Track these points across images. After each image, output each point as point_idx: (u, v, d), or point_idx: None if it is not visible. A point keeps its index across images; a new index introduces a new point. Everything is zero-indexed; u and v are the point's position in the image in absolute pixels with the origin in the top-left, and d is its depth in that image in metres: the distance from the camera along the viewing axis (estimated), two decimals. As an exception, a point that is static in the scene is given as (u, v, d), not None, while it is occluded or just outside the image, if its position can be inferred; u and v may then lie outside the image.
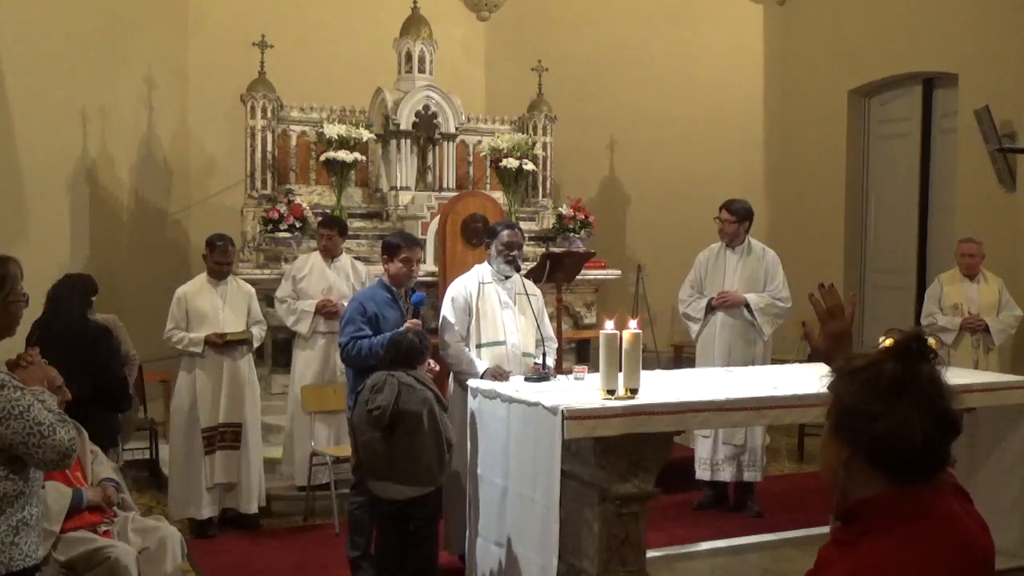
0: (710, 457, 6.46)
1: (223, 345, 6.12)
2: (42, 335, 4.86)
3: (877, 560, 1.63)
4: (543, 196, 9.64)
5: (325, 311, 6.66)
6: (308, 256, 7.04)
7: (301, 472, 6.56)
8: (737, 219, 6.48)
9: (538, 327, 5.28)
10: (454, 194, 8.47)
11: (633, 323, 4.37)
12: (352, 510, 5.24)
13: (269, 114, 8.74)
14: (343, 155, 8.40)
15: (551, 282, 6.42)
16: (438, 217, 8.10)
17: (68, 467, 3.57)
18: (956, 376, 2.47)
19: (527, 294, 5.31)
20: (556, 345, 5.60)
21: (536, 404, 4.25)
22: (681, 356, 9.58)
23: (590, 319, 8.78)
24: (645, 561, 4.27)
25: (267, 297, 7.05)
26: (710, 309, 6.48)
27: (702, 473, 6.52)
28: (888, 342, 1.73)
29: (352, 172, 8.60)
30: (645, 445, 4.16)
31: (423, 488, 4.59)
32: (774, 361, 6.56)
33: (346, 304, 5.71)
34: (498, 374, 4.93)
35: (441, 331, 5.22)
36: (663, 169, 10.42)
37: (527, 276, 5.67)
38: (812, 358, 2.40)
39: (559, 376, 4.92)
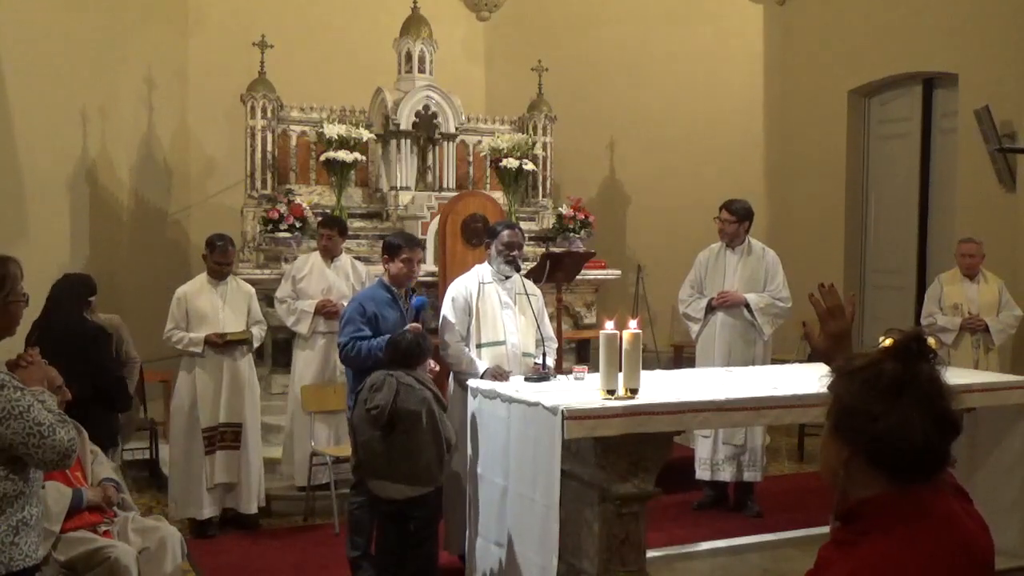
0: (710, 457, 6.46)
1: (223, 345, 6.12)
2: (40, 335, 4.86)
3: (877, 560, 1.63)
4: (543, 196, 9.64)
5: (325, 311, 6.66)
6: (308, 256, 7.04)
7: (301, 472, 6.56)
8: (737, 219, 6.48)
9: (538, 327, 5.28)
10: (454, 194, 8.47)
11: (633, 323, 4.37)
12: (352, 510, 5.24)
13: (269, 114, 8.74)
14: (343, 155, 8.40)
15: (551, 282, 6.42)
16: (438, 217, 8.10)
17: (68, 467, 3.57)
18: (956, 376, 2.48)
19: (527, 294, 5.31)
20: (556, 345, 5.60)
21: (536, 404, 4.25)
22: (681, 356, 9.58)
23: (590, 319, 8.78)
24: (645, 561, 4.27)
25: (267, 297, 7.05)
26: (710, 309, 6.48)
27: (702, 473, 6.52)
28: (888, 342, 1.73)
29: (352, 172, 8.60)
30: (645, 445, 4.16)
31: (422, 488, 4.59)
32: (774, 361, 6.57)
33: (346, 304, 5.71)
34: (498, 374, 4.93)
35: (441, 331, 5.22)
36: (663, 169, 10.42)
37: (527, 276, 5.67)
38: (812, 358, 2.40)
39: (559, 376, 4.92)
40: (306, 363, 6.74)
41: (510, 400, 4.51)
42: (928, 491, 1.69)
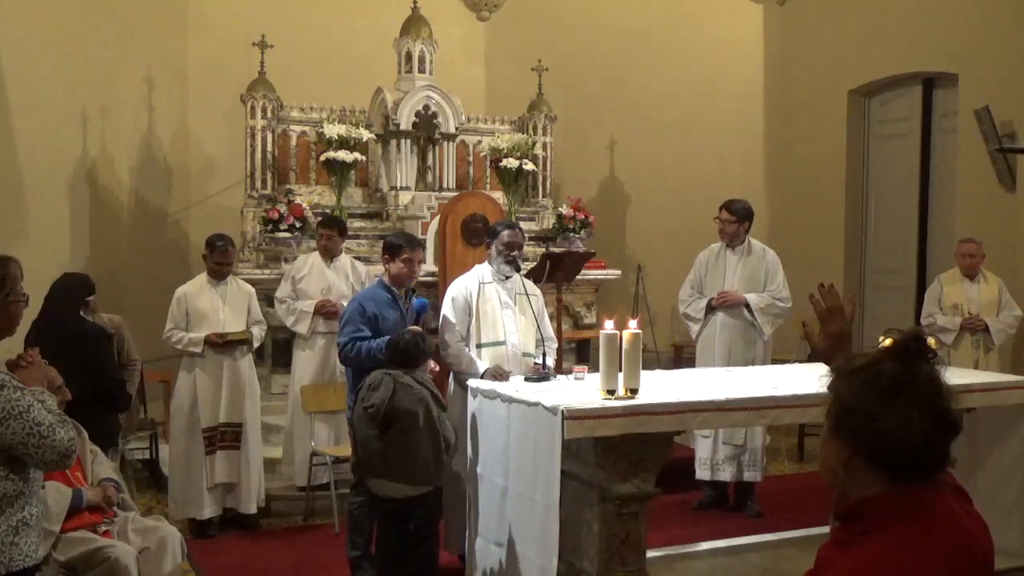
0: (710, 457, 6.47)
1: (223, 345, 6.12)
2: (38, 335, 4.86)
3: (876, 560, 1.63)
4: (543, 196, 9.64)
5: (324, 311, 6.66)
6: (307, 256, 7.04)
7: (301, 472, 6.56)
8: (737, 219, 6.48)
9: (538, 327, 5.28)
10: (454, 194, 8.47)
11: (633, 323, 4.37)
12: (352, 510, 5.24)
13: (269, 114, 8.74)
14: (343, 155, 8.40)
15: (551, 282, 6.42)
16: (438, 217, 8.10)
17: (68, 467, 3.57)
18: (956, 376, 2.48)
19: (527, 294, 5.31)
20: (556, 345, 5.60)
21: (536, 404, 4.25)
22: (681, 356, 9.58)
23: (590, 319, 8.78)
24: (645, 561, 4.27)
25: (267, 297, 7.05)
26: (710, 309, 6.48)
27: (702, 473, 6.52)
28: (888, 342, 1.73)
29: (352, 172, 8.60)
30: (645, 445, 4.16)
31: (421, 487, 4.59)
32: (774, 361, 6.57)
33: (345, 304, 5.71)
34: (498, 374, 4.93)
35: (441, 331, 5.22)
36: (663, 169, 10.43)
37: (527, 276, 5.67)
38: (812, 358, 2.40)
39: (559, 376, 4.92)
40: (306, 363, 6.74)
41: (510, 400, 4.51)
42: (928, 491, 1.69)
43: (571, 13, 10.85)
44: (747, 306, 6.40)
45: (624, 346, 4.27)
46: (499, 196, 8.86)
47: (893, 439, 1.64)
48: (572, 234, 8.97)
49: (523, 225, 6.79)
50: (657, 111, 10.45)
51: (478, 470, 4.80)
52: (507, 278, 5.28)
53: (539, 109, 9.66)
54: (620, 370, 4.27)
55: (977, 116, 7.60)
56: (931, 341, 1.75)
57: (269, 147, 8.74)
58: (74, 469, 4.03)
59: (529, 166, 9.09)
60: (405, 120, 8.80)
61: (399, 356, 4.66)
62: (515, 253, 5.22)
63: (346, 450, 5.31)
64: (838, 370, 1.78)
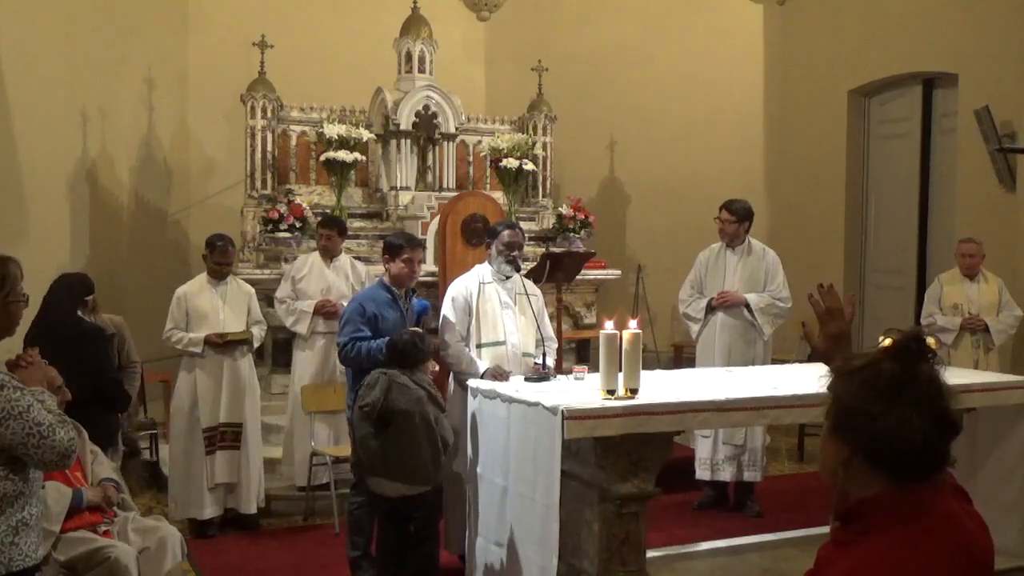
0: (710, 457, 6.46)
1: (223, 345, 6.12)
2: (36, 334, 4.86)
3: (876, 560, 1.63)
4: (543, 196, 9.64)
5: (324, 311, 6.66)
6: (307, 256, 7.04)
7: (301, 472, 6.56)
8: (737, 219, 6.48)
9: (538, 327, 5.28)
10: (454, 194, 8.47)
11: (633, 323, 4.37)
12: (352, 510, 5.24)
13: (269, 114, 8.74)
14: (343, 155, 8.40)
15: (551, 282, 6.42)
16: (438, 217, 8.10)
17: (68, 467, 3.57)
18: (956, 376, 2.48)
19: (527, 294, 5.31)
20: (556, 345, 5.60)
21: (536, 404, 4.25)
22: (681, 356, 9.58)
23: (590, 319, 8.78)
24: (645, 561, 4.27)
25: (267, 297, 7.05)
26: (710, 309, 6.48)
27: (702, 473, 6.52)
28: (887, 342, 1.73)
29: (352, 172, 8.60)
30: (645, 445, 4.16)
31: (418, 487, 4.59)
32: (774, 361, 6.57)
33: (345, 304, 5.71)
34: (498, 374, 4.93)
35: (441, 331, 5.22)
36: (663, 169, 10.42)
37: (527, 276, 5.67)
38: (812, 358, 2.41)
39: (559, 376, 4.92)
40: (306, 363, 6.74)
41: (510, 400, 4.51)
42: (928, 491, 1.69)
43: (571, 13, 10.86)
44: (747, 306, 6.40)
45: (624, 346, 4.27)
46: (499, 196, 8.86)
47: (893, 439, 1.64)
48: (572, 234, 8.97)
49: (523, 225, 6.79)
50: (657, 111, 10.45)
51: (478, 470, 4.80)
52: (507, 278, 5.28)
53: (539, 109, 9.66)
54: (620, 370, 4.27)
55: (977, 116, 7.60)
56: (931, 341, 1.75)
57: (269, 147, 8.74)
58: (74, 469, 4.03)
59: (529, 166, 9.09)
60: (405, 120, 8.80)
61: (398, 356, 4.66)
62: (515, 253, 5.22)
63: (346, 450, 5.31)
64: (838, 370, 1.78)
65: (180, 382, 6.23)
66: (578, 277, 7.53)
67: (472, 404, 4.87)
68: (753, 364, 6.22)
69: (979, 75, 7.90)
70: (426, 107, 8.91)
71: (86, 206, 8.92)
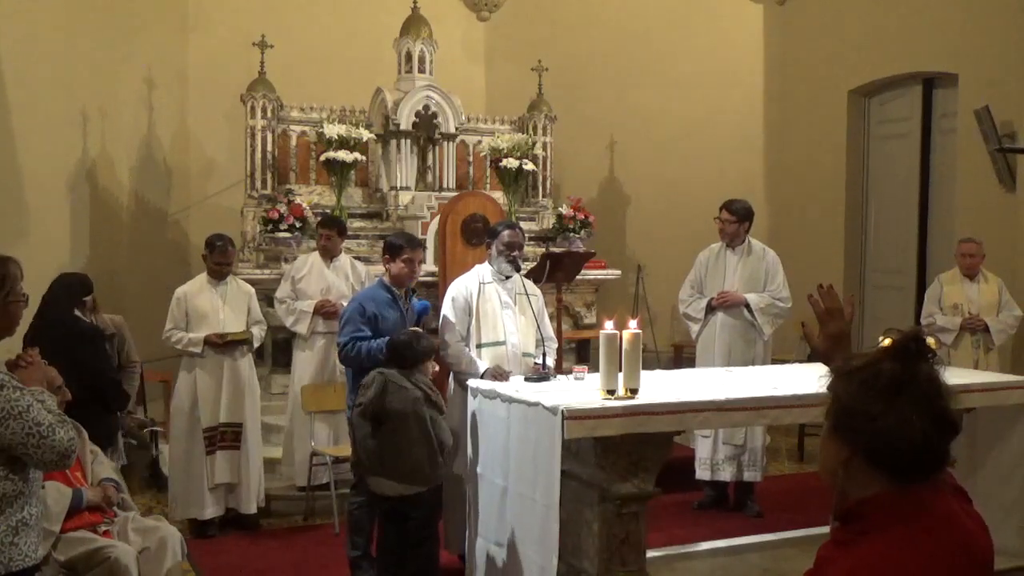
0: (710, 457, 6.47)
1: (223, 345, 6.12)
2: (35, 334, 4.86)
3: (876, 560, 1.63)
4: (543, 196, 9.64)
5: (324, 311, 6.66)
6: (307, 256, 7.04)
7: (301, 472, 6.56)
8: (737, 219, 6.48)
9: (538, 327, 5.28)
10: (454, 194, 8.47)
11: (633, 323, 4.37)
12: (352, 510, 5.24)
13: (269, 114, 8.73)
14: (343, 155, 8.40)
15: (551, 282, 6.42)
16: (438, 217, 8.10)
17: (68, 467, 3.57)
18: (956, 376, 2.48)
19: (527, 294, 5.31)
20: (556, 345, 5.60)
21: (536, 404, 4.25)
22: (681, 356, 9.58)
23: (590, 319, 8.78)
24: (645, 561, 4.27)
25: (267, 297, 7.05)
26: (710, 309, 6.48)
27: (702, 473, 6.52)
28: (887, 342, 1.73)
29: (352, 172, 8.60)
30: (645, 445, 4.16)
31: (415, 487, 4.59)
32: (774, 361, 6.57)
33: (345, 304, 5.71)
34: (498, 374, 4.93)
35: (441, 331, 5.22)
36: (663, 169, 10.42)
37: (527, 276, 5.67)
38: (812, 358, 2.41)
39: (559, 376, 4.92)
40: (306, 363, 6.74)
41: (510, 400, 4.51)
42: (927, 491, 1.69)
43: (571, 13, 10.85)
44: (747, 306, 6.40)
45: (624, 346, 4.27)
46: (499, 196, 8.86)
47: (892, 439, 1.64)
48: (572, 234, 8.97)
49: (523, 225, 6.79)
50: (657, 111, 10.44)
51: (478, 470, 4.81)
52: (507, 278, 5.28)
53: (539, 109, 9.65)
54: (620, 370, 4.27)
55: (977, 116, 7.60)
56: (931, 341, 1.75)
57: (269, 147, 8.74)
58: (74, 469, 4.04)
59: (529, 166, 9.09)
60: (405, 120, 8.80)
61: (396, 356, 4.66)
62: (515, 253, 5.23)
63: (346, 450, 5.31)
64: (837, 370, 1.78)
65: (180, 382, 6.23)
66: (578, 277, 7.53)
67: (472, 404, 4.87)
68: (753, 364, 6.22)
69: (979, 75, 7.90)
70: (426, 107, 8.90)
71: (86, 206, 8.92)
